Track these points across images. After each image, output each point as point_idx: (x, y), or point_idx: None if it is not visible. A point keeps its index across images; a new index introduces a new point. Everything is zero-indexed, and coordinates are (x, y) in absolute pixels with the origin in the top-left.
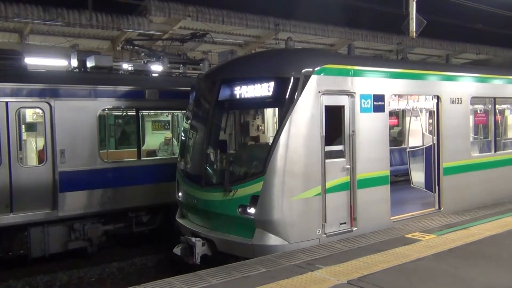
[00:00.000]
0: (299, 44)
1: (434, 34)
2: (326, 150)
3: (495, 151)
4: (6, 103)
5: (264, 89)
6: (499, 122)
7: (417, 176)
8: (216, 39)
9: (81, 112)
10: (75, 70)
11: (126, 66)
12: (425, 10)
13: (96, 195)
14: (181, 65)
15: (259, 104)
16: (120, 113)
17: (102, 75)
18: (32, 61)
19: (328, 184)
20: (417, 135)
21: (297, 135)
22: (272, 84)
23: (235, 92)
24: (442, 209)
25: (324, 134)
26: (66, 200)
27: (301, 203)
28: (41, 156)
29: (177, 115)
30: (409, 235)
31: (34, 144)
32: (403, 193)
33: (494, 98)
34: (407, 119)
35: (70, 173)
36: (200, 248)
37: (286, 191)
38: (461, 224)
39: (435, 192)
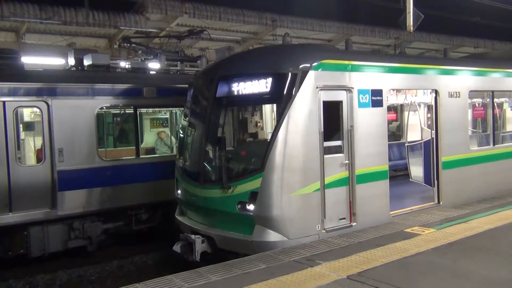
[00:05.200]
0: (297, 40)
1: (432, 28)
2: (324, 145)
3: (494, 145)
4: (4, 102)
5: (262, 86)
6: (498, 115)
7: (416, 170)
8: (213, 35)
9: (79, 111)
10: (72, 69)
11: (124, 64)
12: (422, 4)
13: (95, 194)
14: (179, 62)
15: (257, 101)
16: (118, 111)
17: (100, 73)
18: (29, 60)
19: (327, 180)
20: (415, 129)
21: (295, 131)
22: (270, 80)
23: (233, 88)
24: (441, 203)
25: (322, 130)
26: (65, 199)
27: (300, 199)
28: (39, 155)
29: (175, 113)
30: (408, 230)
31: (32, 143)
32: (402, 188)
33: (492, 92)
34: (406, 113)
35: (68, 172)
36: (199, 245)
37: (285, 187)
38: (461, 217)
39: (434, 186)
